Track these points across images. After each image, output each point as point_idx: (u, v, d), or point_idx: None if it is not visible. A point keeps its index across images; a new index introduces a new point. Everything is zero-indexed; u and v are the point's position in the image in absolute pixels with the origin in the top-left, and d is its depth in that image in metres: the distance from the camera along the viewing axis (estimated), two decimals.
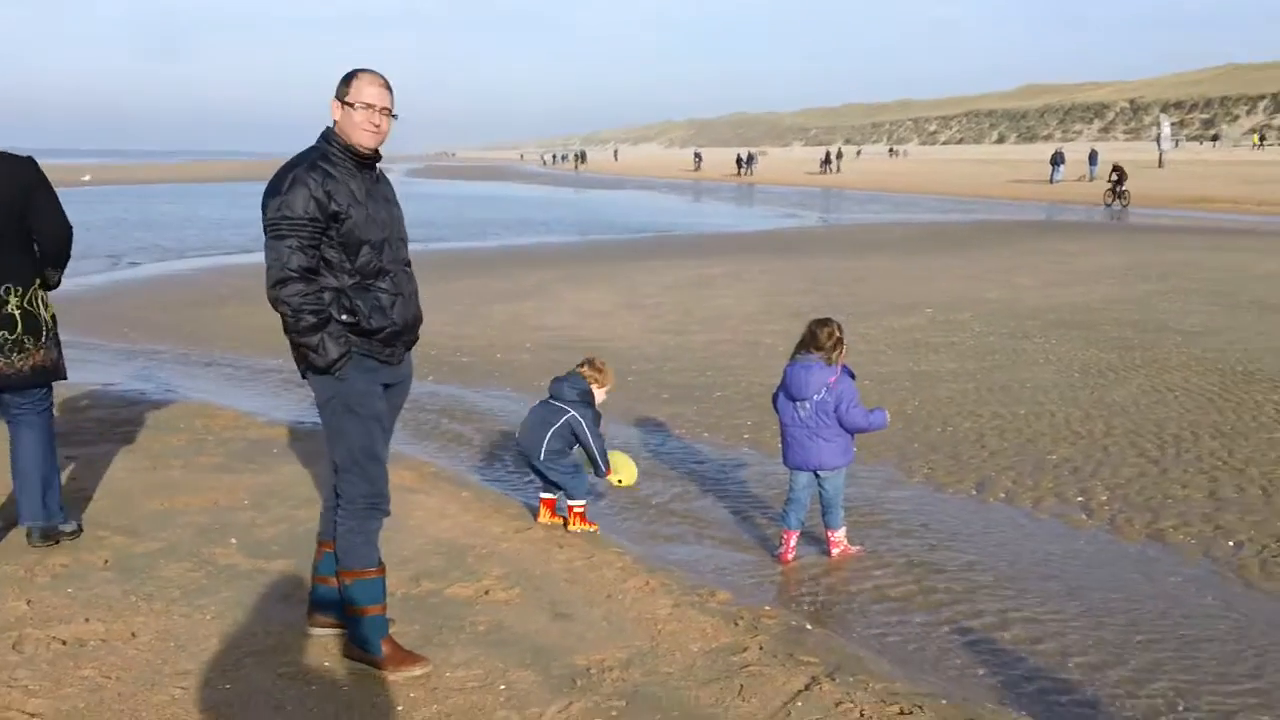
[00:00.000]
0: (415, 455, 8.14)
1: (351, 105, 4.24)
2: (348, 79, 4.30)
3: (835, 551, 6.45)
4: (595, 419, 6.64)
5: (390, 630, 4.52)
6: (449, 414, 9.82)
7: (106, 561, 5.54)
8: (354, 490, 4.37)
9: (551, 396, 6.66)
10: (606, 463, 6.63)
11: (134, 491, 6.78)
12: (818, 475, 6.38)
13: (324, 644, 4.65)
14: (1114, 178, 42.72)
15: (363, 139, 4.26)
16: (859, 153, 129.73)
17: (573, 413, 6.51)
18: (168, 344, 13.54)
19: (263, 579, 5.40)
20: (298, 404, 9.85)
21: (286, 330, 4.19)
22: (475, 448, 8.79)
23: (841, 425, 6.28)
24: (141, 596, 5.13)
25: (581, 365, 6.82)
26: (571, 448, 6.59)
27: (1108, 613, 5.59)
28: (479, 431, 9.25)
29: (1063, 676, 4.92)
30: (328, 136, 4.29)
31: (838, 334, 6.29)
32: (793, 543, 6.46)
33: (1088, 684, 4.85)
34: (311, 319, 4.13)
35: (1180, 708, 4.65)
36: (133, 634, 4.72)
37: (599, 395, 6.75)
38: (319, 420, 4.52)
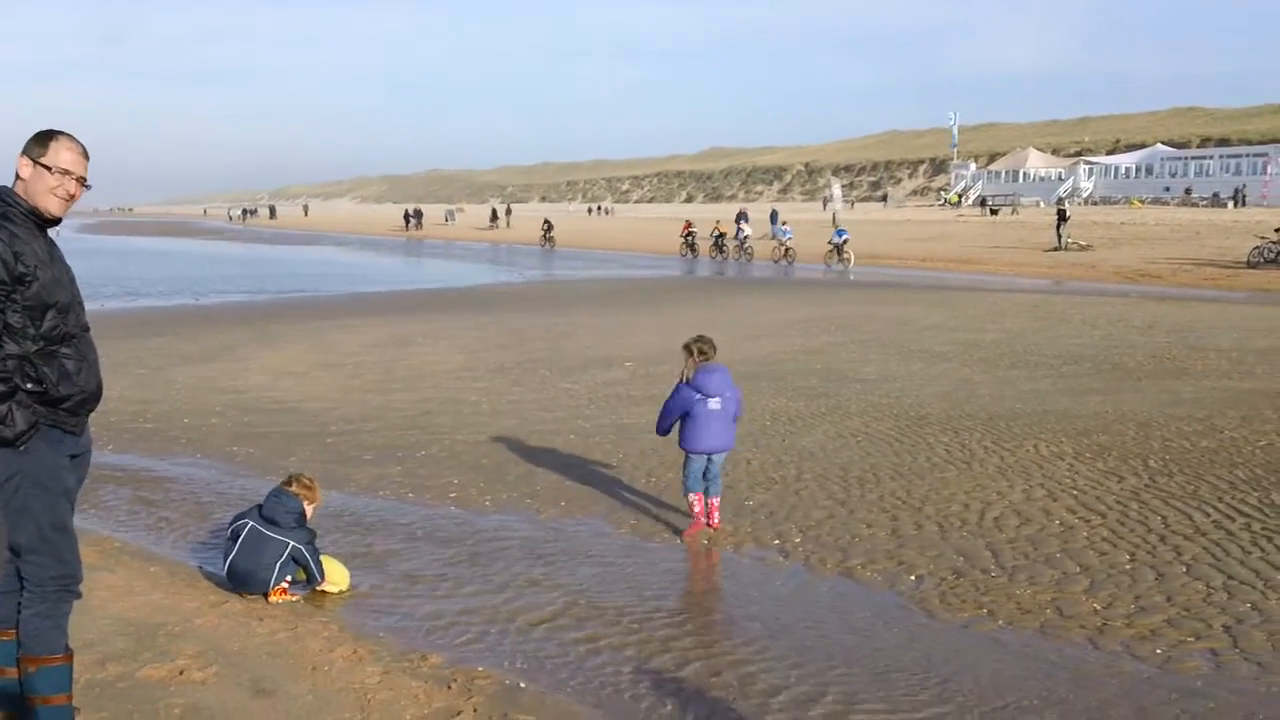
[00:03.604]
0: (96, 530, 7.58)
1: (47, 168, 3.98)
2: (44, 139, 4.03)
3: (716, 517, 7.86)
4: (311, 537, 6.64)
5: None
6: (132, 484, 9.20)
7: None
8: (43, 572, 4.02)
9: (267, 520, 6.53)
10: (322, 573, 6.62)
11: None
12: (710, 457, 7.75)
13: None
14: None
15: (50, 204, 4.01)
16: (595, 210, 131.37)
17: (293, 544, 6.48)
18: None
19: None
20: None
21: None
22: (162, 520, 8.26)
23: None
24: None
25: (289, 484, 6.76)
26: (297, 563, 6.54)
27: (808, 649, 5.84)
28: (166, 502, 8.72)
29: (771, 716, 5.09)
30: (5, 196, 3.99)
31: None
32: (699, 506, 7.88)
33: None
34: (1, 387, 3.81)
35: None
36: None
37: (309, 511, 6.76)
38: None
